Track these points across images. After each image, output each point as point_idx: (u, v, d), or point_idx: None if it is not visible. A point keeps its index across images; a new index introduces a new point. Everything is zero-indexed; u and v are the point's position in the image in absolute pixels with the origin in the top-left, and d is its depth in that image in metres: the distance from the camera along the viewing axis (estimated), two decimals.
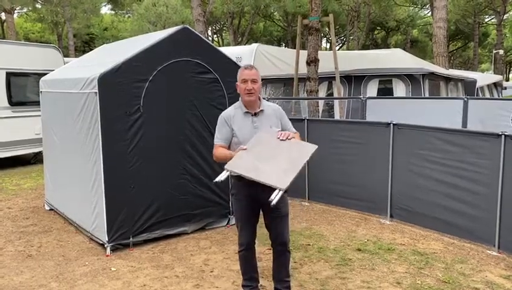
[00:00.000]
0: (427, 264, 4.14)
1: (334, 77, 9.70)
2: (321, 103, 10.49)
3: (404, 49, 24.34)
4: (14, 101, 9.07)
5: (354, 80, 10.35)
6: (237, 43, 31.96)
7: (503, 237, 4.38)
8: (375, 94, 9.94)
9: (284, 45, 40.50)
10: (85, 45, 39.60)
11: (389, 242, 4.72)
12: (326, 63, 9.82)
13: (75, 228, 5.22)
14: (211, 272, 4.03)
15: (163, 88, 4.60)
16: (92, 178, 4.55)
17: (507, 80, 44.72)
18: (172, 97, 4.67)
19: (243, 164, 2.89)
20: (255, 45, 12.53)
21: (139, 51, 4.48)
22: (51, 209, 6.01)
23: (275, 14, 35.50)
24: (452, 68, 23.06)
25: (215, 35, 40.85)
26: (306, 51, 9.71)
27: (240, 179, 3.06)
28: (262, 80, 3.29)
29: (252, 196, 3.10)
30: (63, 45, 32.09)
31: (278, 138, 3.06)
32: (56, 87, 5.51)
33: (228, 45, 35.08)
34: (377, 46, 39.46)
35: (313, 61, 9.40)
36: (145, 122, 4.50)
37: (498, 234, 4.41)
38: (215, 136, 3.27)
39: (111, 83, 4.31)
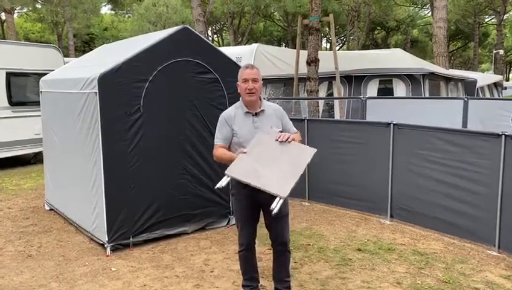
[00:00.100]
0: (427, 264, 4.14)
1: (334, 77, 9.70)
2: (321, 102, 10.49)
3: (404, 49, 24.34)
4: (14, 101, 9.07)
5: (354, 80, 10.35)
6: (237, 43, 31.96)
7: (504, 237, 4.38)
8: (375, 94, 9.94)
9: (284, 45, 40.51)
10: (85, 45, 39.61)
11: (389, 242, 4.72)
12: (327, 63, 9.82)
13: (75, 228, 5.22)
14: (211, 272, 4.03)
15: (163, 88, 4.60)
16: (92, 178, 4.55)
17: (507, 80, 44.72)
18: (173, 97, 4.67)
19: (243, 169, 2.88)
20: (255, 45, 12.53)
21: (139, 51, 4.48)
22: (51, 209, 6.01)
23: (275, 14, 35.50)
24: (452, 68, 23.06)
25: (215, 35, 40.86)
26: (306, 51, 9.71)
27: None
28: (262, 80, 3.28)
29: (252, 196, 3.10)
30: (63, 45, 32.09)
31: (277, 140, 3.05)
32: (56, 87, 5.51)
33: (228, 45, 35.09)
34: (377, 46, 39.46)
35: (313, 61, 9.40)
36: (145, 122, 4.50)
37: (498, 234, 4.41)
38: (215, 136, 3.27)
39: (111, 83, 4.31)
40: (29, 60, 9.32)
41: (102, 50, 6.44)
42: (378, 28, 40.59)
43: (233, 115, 3.23)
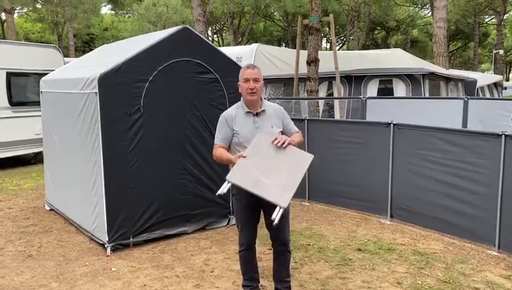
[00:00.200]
0: (428, 264, 4.14)
1: (334, 76, 9.70)
2: (321, 102, 10.49)
3: (404, 49, 24.34)
4: (15, 101, 9.07)
5: (354, 80, 10.35)
6: (237, 43, 31.96)
7: (504, 237, 4.38)
8: (375, 94, 9.94)
9: (284, 45, 40.50)
10: (85, 45, 39.61)
11: (389, 242, 4.72)
12: (327, 63, 9.83)
13: (76, 228, 5.22)
14: (211, 272, 4.03)
15: (163, 88, 4.60)
16: (92, 178, 4.55)
17: (507, 80, 44.72)
18: (173, 97, 4.67)
19: (244, 176, 2.89)
20: (255, 45, 12.53)
21: (140, 51, 4.48)
22: (51, 210, 6.01)
23: (275, 14, 35.50)
24: (452, 68, 23.06)
25: (215, 35, 40.86)
26: (306, 51, 9.71)
27: None
28: (263, 79, 3.29)
29: (253, 196, 3.09)
30: (63, 45, 32.09)
31: (275, 144, 3.04)
32: (56, 88, 5.51)
33: (228, 45, 35.09)
34: (377, 46, 39.46)
35: (313, 61, 9.41)
36: (145, 122, 4.50)
37: (498, 234, 4.41)
38: (215, 135, 3.27)
39: (111, 83, 4.31)
40: (29, 60, 9.32)
41: (103, 50, 6.45)
42: (378, 28, 40.59)
43: (234, 115, 3.23)
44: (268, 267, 3.89)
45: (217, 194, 2.95)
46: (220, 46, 32.02)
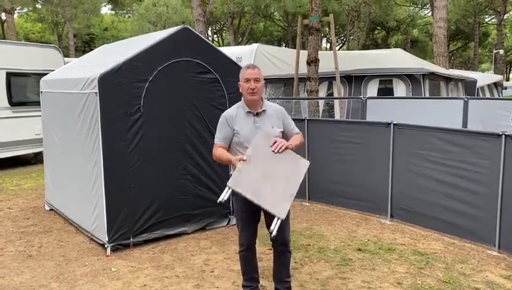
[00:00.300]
0: (428, 264, 4.14)
1: (335, 76, 9.70)
2: (321, 102, 10.49)
3: (404, 49, 24.35)
4: (15, 101, 9.07)
5: (354, 80, 10.35)
6: (237, 43, 31.96)
7: (504, 237, 4.38)
8: (375, 94, 9.94)
9: (284, 44, 40.50)
10: (85, 45, 39.61)
11: (389, 242, 4.72)
12: (327, 63, 9.82)
13: (76, 228, 5.22)
14: (212, 272, 4.03)
15: (163, 88, 4.60)
16: (92, 178, 4.55)
17: (507, 79, 44.72)
18: (173, 97, 4.67)
19: (244, 183, 2.91)
20: (255, 45, 12.53)
21: (140, 51, 4.48)
22: (51, 210, 6.01)
23: (275, 14, 35.49)
24: (452, 68, 23.06)
25: (215, 35, 40.86)
26: (306, 51, 9.71)
27: None
28: (263, 79, 3.29)
29: None
30: (63, 45, 32.09)
31: (273, 150, 3.04)
32: (56, 88, 5.51)
33: (228, 45, 35.08)
34: (377, 46, 39.45)
35: (313, 61, 9.40)
36: (145, 122, 4.50)
37: (498, 234, 4.41)
38: (215, 135, 3.28)
39: (111, 83, 4.31)
40: (29, 60, 9.32)
41: (103, 50, 6.45)
42: (378, 28, 40.58)
43: (234, 114, 3.23)
44: (268, 268, 3.89)
45: (218, 201, 2.95)
46: (220, 46, 32.02)
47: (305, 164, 3.19)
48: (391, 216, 5.41)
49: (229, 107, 3.53)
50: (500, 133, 4.37)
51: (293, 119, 3.48)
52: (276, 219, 2.89)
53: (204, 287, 3.74)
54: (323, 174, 6.07)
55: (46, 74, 6.38)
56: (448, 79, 11.59)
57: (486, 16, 38.16)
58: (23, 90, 9.39)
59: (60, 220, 5.61)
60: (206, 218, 5.07)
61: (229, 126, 3.20)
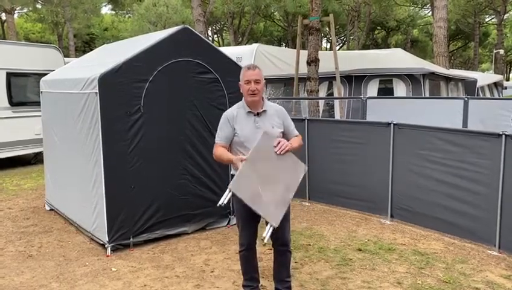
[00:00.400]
0: (428, 264, 4.14)
1: (335, 76, 9.70)
2: (321, 102, 10.50)
3: (404, 49, 24.35)
4: (15, 102, 9.07)
5: (355, 80, 10.35)
6: (237, 43, 31.96)
7: (504, 237, 4.38)
8: (375, 94, 9.94)
9: (284, 44, 40.50)
10: (85, 45, 39.61)
11: (389, 242, 4.72)
12: (327, 63, 9.83)
13: (76, 228, 5.22)
14: (212, 272, 4.03)
15: (163, 88, 4.60)
16: (92, 178, 4.55)
17: (507, 79, 44.71)
18: (173, 97, 4.67)
19: (244, 186, 2.91)
20: (255, 45, 12.54)
21: (140, 51, 4.48)
22: (51, 210, 6.01)
23: (275, 14, 35.48)
24: (452, 68, 23.07)
25: (215, 35, 40.86)
26: (306, 51, 9.72)
27: None
28: (263, 79, 3.29)
29: None
30: (64, 45, 32.09)
31: (276, 151, 3.05)
32: (56, 88, 5.51)
33: (228, 45, 35.09)
34: (377, 46, 39.46)
35: (313, 61, 9.41)
36: (145, 122, 4.50)
37: (498, 234, 4.41)
38: (216, 134, 3.28)
39: (111, 83, 4.31)
40: (29, 60, 9.32)
41: (103, 50, 6.45)
42: (378, 28, 40.57)
43: (235, 114, 3.23)
44: (268, 267, 3.89)
45: (218, 204, 2.95)
46: (220, 46, 32.02)
47: (302, 169, 3.22)
48: (391, 216, 5.41)
49: (229, 107, 3.53)
50: (501, 133, 4.36)
51: (293, 119, 3.48)
52: (268, 225, 2.90)
53: (205, 287, 3.74)
54: (323, 174, 6.07)
55: (46, 74, 6.38)
56: (448, 79, 11.59)
57: (487, 16, 38.17)
58: (23, 91, 9.39)
59: (60, 220, 5.61)
60: (206, 218, 5.07)
61: (230, 126, 3.21)
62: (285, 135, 3.29)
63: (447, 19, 14.62)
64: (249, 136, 3.16)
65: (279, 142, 3.07)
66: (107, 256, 4.40)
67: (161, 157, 4.63)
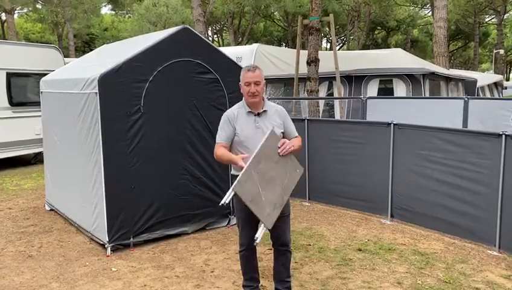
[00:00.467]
0: (428, 264, 4.14)
1: (335, 76, 9.70)
2: (321, 102, 10.50)
3: (404, 49, 24.35)
4: (15, 102, 9.07)
5: (355, 80, 10.35)
6: (237, 43, 31.97)
7: (504, 237, 4.38)
8: (375, 94, 9.94)
9: (284, 44, 40.50)
10: (85, 45, 39.61)
11: (389, 242, 4.72)
12: (327, 63, 9.83)
13: (76, 228, 5.22)
14: (212, 272, 4.03)
15: (163, 88, 4.60)
16: (92, 178, 4.55)
17: (507, 79, 44.71)
18: (173, 97, 4.67)
19: (247, 188, 2.90)
20: (255, 45, 12.54)
21: (140, 51, 4.48)
22: (52, 210, 6.01)
23: (275, 14, 35.48)
24: (452, 68, 23.07)
25: (215, 36, 40.86)
26: (306, 51, 9.72)
27: None
28: (264, 79, 3.29)
29: None
30: (63, 45, 32.10)
31: (279, 152, 3.06)
32: (56, 88, 5.51)
33: (228, 45, 35.08)
34: (377, 46, 39.45)
35: (313, 61, 9.41)
36: (145, 122, 4.50)
37: (499, 234, 4.41)
38: (217, 134, 3.27)
39: (111, 83, 4.31)
40: (29, 60, 9.32)
41: (103, 50, 6.45)
42: (378, 27, 40.57)
43: (236, 114, 3.24)
44: (268, 267, 3.90)
45: (220, 204, 2.93)
46: (220, 46, 32.03)
47: (300, 172, 3.23)
48: (391, 216, 5.41)
49: (229, 107, 3.53)
50: (501, 133, 4.36)
51: (293, 120, 3.49)
52: (262, 226, 2.90)
53: (205, 287, 3.74)
54: (323, 174, 6.07)
55: (46, 74, 6.38)
56: (448, 79, 11.59)
57: (487, 16, 38.17)
58: (24, 91, 9.39)
59: (60, 220, 5.61)
60: (206, 218, 5.07)
61: (231, 125, 3.21)
62: (285, 136, 3.29)
63: (447, 19, 14.62)
64: (249, 136, 3.16)
65: (283, 143, 3.08)
66: (107, 256, 4.40)
67: (161, 157, 4.63)
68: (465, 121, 7.41)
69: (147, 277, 3.94)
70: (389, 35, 42.45)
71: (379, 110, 7.99)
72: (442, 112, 7.46)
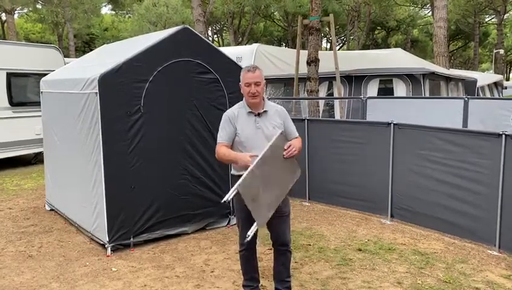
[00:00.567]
0: (428, 264, 4.14)
1: (335, 76, 9.71)
2: (321, 102, 10.50)
3: (404, 49, 24.34)
4: (15, 102, 9.07)
5: (355, 80, 10.35)
6: (237, 43, 31.96)
7: (504, 237, 4.38)
8: (375, 94, 9.94)
9: (284, 44, 40.49)
10: (85, 45, 39.61)
11: (389, 242, 4.72)
12: (327, 63, 9.83)
13: (76, 228, 5.22)
14: (212, 272, 4.03)
15: (163, 88, 4.60)
16: (92, 178, 4.55)
17: (507, 79, 44.71)
18: (173, 97, 4.67)
19: (250, 187, 2.89)
20: (255, 45, 12.54)
21: (140, 51, 4.48)
22: (52, 210, 6.01)
23: (275, 14, 35.48)
24: (452, 68, 23.06)
25: (215, 36, 40.86)
26: (306, 51, 9.72)
27: None
28: (264, 79, 3.29)
29: None
30: (64, 45, 32.09)
31: (284, 155, 3.07)
32: (57, 88, 5.52)
33: (228, 45, 35.08)
34: (377, 46, 39.45)
35: (313, 61, 9.41)
36: (145, 122, 4.50)
37: (499, 234, 4.41)
38: (218, 134, 3.26)
39: (111, 83, 4.31)
40: (29, 60, 9.32)
41: (103, 50, 6.45)
42: (378, 27, 40.56)
43: (236, 114, 3.23)
44: (268, 267, 3.90)
45: (222, 201, 2.92)
46: (220, 46, 32.02)
47: (297, 175, 3.24)
48: (391, 216, 5.41)
49: (229, 107, 3.53)
50: (501, 132, 4.36)
51: (293, 120, 3.48)
52: (254, 225, 2.90)
53: (205, 287, 3.74)
54: (323, 174, 6.07)
55: (46, 74, 6.38)
56: (448, 79, 11.59)
57: (487, 16, 38.16)
58: (24, 91, 9.39)
59: (60, 220, 5.62)
60: (206, 218, 5.07)
61: (232, 125, 3.20)
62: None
63: (447, 19, 14.62)
64: (249, 136, 3.16)
65: (289, 146, 3.09)
66: (107, 256, 4.40)
67: (161, 157, 4.63)
68: (465, 121, 7.41)
69: (147, 277, 3.94)
70: (389, 35, 42.44)
71: (379, 110, 7.99)
72: (442, 112, 7.46)
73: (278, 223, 3.24)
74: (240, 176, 2.93)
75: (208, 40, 5.21)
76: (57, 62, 9.38)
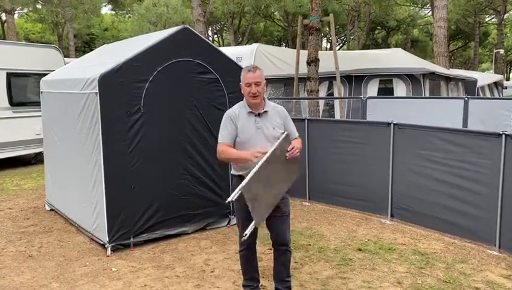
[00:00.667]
0: (428, 264, 4.14)
1: (335, 76, 9.70)
2: (321, 102, 10.50)
3: (404, 48, 24.35)
4: (15, 102, 9.08)
5: (355, 80, 10.36)
6: (237, 43, 31.97)
7: (504, 237, 4.38)
8: (375, 94, 9.94)
9: (284, 44, 40.50)
10: (85, 45, 39.62)
11: (389, 242, 4.72)
12: (327, 62, 9.83)
13: (76, 228, 5.22)
14: (212, 272, 4.03)
15: (163, 88, 4.60)
16: (92, 178, 4.55)
17: (507, 79, 44.71)
18: (173, 97, 4.67)
19: (252, 188, 2.88)
20: (255, 45, 12.54)
21: (140, 51, 4.48)
22: (52, 210, 6.02)
23: (275, 14, 35.49)
24: (453, 68, 23.07)
25: (215, 36, 40.86)
26: (306, 51, 9.72)
27: (241, 179, 3.06)
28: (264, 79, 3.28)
29: None
30: (64, 46, 32.10)
31: (286, 156, 3.08)
32: (57, 88, 5.52)
33: (228, 45, 35.09)
34: (377, 45, 39.46)
35: (313, 61, 9.41)
36: (145, 122, 4.50)
37: (499, 234, 4.41)
38: (219, 134, 3.25)
39: (111, 83, 4.31)
40: (29, 60, 9.33)
41: (103, 50, 6.45)
42: (378, 27, 40.57)
43: (237, 113, 3.23)
44: (268, 267, 3.90)
45: (226, 201, 2.91)
46: (220, 46, 32.03)
47: (296, 176, 3.26)
48: (391, 216, 5.41)
49: (229, 107, 3.53)
50: (501, 132, 4.36)
51: (293, 119, 3.48)
52: (252, 224, 2.90)
53: (205, 287, 3.74)
54: (323, 174, 6.07)
55: (46, 74, 6.38)
56: (448, 79, 11.59)
57: (487, 16, 38.16)
58: (24, 91, 9.40)
59: (60, 220, 5.62)
60: (207, 218, 5.07)
61: (234, 124, 3.20)
62: None
63: (447, 19, 14.62)
64: (249, 136, 3.16)
65: (293, 148, 3.10)
66: (107, 256, 4.40)
67: (161, 157, 4.63)
68: (465, 121, 7.42)
69: (147, 277, 3.94)
70: (389, 35, 42.45)
71: (379, 110, 7.99)
72: (442, 112, 7.46)
73: (278, 223, 3.24)
74: (240, 176, 2.93)
75: (208, 40, 5.21)
76: (57, 62, 9.38)
